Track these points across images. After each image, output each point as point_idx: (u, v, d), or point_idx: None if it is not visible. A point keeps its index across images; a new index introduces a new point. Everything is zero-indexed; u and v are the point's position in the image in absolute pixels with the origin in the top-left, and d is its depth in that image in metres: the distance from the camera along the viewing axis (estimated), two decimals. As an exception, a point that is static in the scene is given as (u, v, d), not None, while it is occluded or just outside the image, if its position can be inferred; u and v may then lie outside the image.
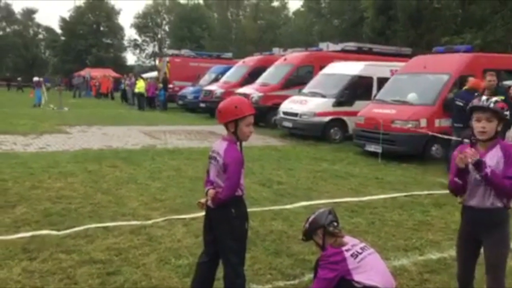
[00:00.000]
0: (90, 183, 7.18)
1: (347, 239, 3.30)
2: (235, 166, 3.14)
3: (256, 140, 13.28)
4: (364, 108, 11.70)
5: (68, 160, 9.01)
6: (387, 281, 3.15)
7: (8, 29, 74.06)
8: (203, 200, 3.33)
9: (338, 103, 13.39)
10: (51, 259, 4.28)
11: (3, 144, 10.66)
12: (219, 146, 3.24)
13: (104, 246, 4.65)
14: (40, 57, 77.23)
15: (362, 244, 3.30)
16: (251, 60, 21.27)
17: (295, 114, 13.55)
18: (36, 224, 5.24)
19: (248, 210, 5.78)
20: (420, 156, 10.15)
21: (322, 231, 3.27)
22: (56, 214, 5.60)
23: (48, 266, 4.12)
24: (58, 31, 75.25)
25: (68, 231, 5.02)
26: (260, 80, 17.72)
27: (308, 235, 3.38)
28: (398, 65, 13.71)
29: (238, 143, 3.22)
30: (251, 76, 19.08)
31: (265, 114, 16.34)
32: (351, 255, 3.13)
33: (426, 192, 7.31)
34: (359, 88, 13.78)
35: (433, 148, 10.33)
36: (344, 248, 3.17)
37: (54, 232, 4.97)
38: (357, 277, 3.05)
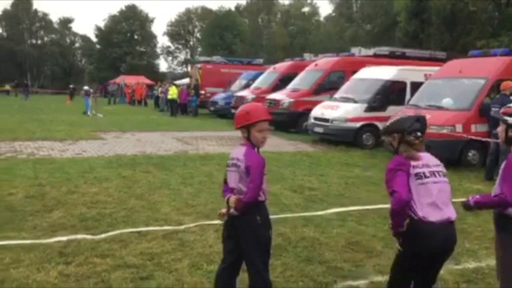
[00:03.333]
0: (124, 189, 7.30)
1: (424, 156, 3.07)
2: (257, 168, 3.14)
3: (287, 145, 13.27)
4: (397, 113, 11.50)
5: (103, 165, 9.21)
6: (438, 214, 2.96)
7: (46, 38, 76.49)
8: (224, 210, 3.29)
9: (370, 108, 13.24)
10: (86, 263, 4.37)
11: (41, 150, 10.98)
12: (238, 151, 3.26)
13: (137, 250, 4.71)
14: (76, 65, 79.37)
15: (438, 168, 3.07)
16: (282, 66, 21.29)
17: (327, 120, 13.46)
18: (72, 228, 5.36)
19: (279, 216, 5.90)
20: (456, 162, 9.89)
21: (399, 136, 3.07)
22: (91, 219, 5.71)
23: (83, 270, 4.20)
24: (94, 39, 77.27)
25: (102, 235, 5.11)
26: (291, 85, 17.72)
27: (385, 133, 3.21)
28: (432, 69, 13.46)
29: (255, 149, 3.23)
30: (282, 82, 19.09)
31: (296, 120, 16.36)
32: (415, 174, 2.96)
33: (462, 200, 7.10)
34: (392, 93, 13.59)
35: (470, 154, 10.07)
36: (413, 163, 2.98)
37: (89, 237, 5.07)
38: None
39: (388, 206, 6.56)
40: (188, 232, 5.33)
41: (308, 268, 4.40)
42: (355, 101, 13.60)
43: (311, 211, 6.36)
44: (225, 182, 3.37)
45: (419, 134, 3.03)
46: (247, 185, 3.14)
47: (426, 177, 2.97)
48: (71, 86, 45.82)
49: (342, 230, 5.54)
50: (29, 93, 43.09)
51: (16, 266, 4.19)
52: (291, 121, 16.59)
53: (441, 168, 3.11)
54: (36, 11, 74.34)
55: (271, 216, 5.76)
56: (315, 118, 14.03)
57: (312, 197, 7.15)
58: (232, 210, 3.18)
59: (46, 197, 6.65)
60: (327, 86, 16.30)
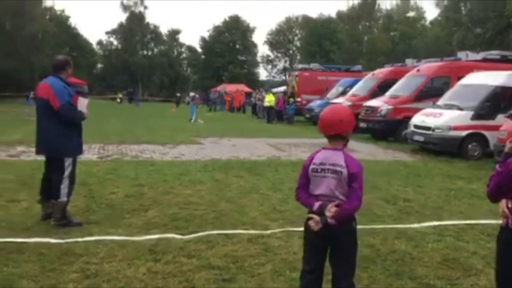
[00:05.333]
0: (216, 191, 7.47)
1: None
2: (361, 175, 3.02)
3: (384, 154, 12.76)
4: (507, 122, 10.53)
5: (198, 169, 9.53)
6: None
7: (156, 50, 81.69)
8: (317, 219, 3.02)
9: (477, 116, 12.27)
10: (173, 262, 4.49)
11: (144, 153, 11.66)
12: (334, 157, 3.06)
13: (222, 252, 4.76)
14: (182, 75, 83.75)
15: None
16: (381, 72, 20.60)
17: (428, 128, 12.71)
18: (164, 227, 5.57)
19: (369, 226, 5.63)
20: None
21: None
22: (182, 219, 5.90)
23: (170, 268, 4.33)
24: (199, 50, 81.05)
25: (191, 236, 5.24)
26: (390, 92, 17.05)
27: None
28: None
29: None
30: (381, 88, 18.46)
31: (394, 128, 15.71)
32: None
33: None
34: (502, 100, 12.46)
35: None
36: None
37: (178, 236, 5.22)
38: None
39: (492, 221, 6.02)
40: (273, 238, 5.28)
41: (397, 283, 4.13)
42: (460, 109, 12.69)
43: (405, 223, 5.99)
44: (300, 187, 3.21)
45: None
46: (355, 192, 2.98)
47: None
48: (178, 94, 48.50)
49: (438, 245, 5.14)
50: (139, 101, 46.31)
51: (110, 261, 4.42)
52: (389, 129, 15.97)
53: None
54: (148, 24, 79.86)
55: (361, 226, 5.55)
56: (416, 126, 13.32)
57: (407, 209, 6.75)
58: (330, 220, 2.97)
59: (143, 197, 7.01)
60: (430, 92, 15.45)
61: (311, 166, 3.11)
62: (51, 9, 63.65)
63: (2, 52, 44.12)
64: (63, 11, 69.60)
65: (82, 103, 5.56)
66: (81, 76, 57.93)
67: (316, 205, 3.05)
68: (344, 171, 2.99)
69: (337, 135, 3.09)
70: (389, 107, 15.98)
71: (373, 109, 16.50)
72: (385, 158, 12.00)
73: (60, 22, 64.48)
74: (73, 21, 72.58)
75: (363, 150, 13.57)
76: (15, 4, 45.04)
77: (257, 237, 5.27)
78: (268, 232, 5.46)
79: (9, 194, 6.79)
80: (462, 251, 4.97)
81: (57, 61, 5.54)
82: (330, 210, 2.97)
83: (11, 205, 6.27)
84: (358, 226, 5.43)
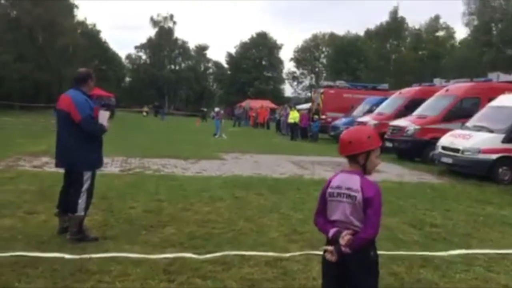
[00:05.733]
0: (235, 209, 7.32)
1: None
2: (379, 200, 2.83)
3: (410, 175, 12.42)
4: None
5: (219, 185, 9.41)
6: None
7: (183, 64, 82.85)
8: (331, 248, 2.86)
9: (508, 140, 11.83)
10: (188, 283, 4.34)
11: (166, 167, 11.62)
12: (349, 180, 2.90)
13: (238, 275, 4.59)
14: (208, 90, 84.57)
15: None
16: (409, 91, 20.26)
17: (457, 150, 12.32)
18: (180, 246, 5.43)
19: (394, 253, 5.38)
20: None
21: None
22: (199, 238, 5.76)
23: (183, 290, 4.18)
24: (225, 65, 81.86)
25: (207, 256, 5.09)
26: (417, 112, 16.70)
27: None
28: None
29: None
30: (407, 108, 18.13)
31: (421, 148, 15.34)
32: None
33: None
34: (535, 124, 12.02)
35: None
36: None
37: (195, 256, 5.08)
38: None
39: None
40: (292, 261, 5.08)
41: (422, 316, 3.88)
42: (490, 131, 12.28)
43: (431, 250, 5.70)
44: (318, 212, 3.05)
45: None
46: (369, 219, 2.80)
47: None
48: (203, 109, 48.91)
49: (467, 276, 4.86)
50: (165, 115, 46.83)
51: (122, 280, 4.30)
52: (416, 150, 15.60)
53: None
54: (176, 39, 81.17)
55: (384, 252, 5.31)
56: (444, 148, 12.94)
57: (434, 235, 6.45)
58: (344, 248, 2.79)
59: (162, 213, 6.91)
60: (458, 113, 15.06)
61: (328, 190, 2.96)
62: (82, 23, 65.27)
63: (34, 64, 45.38)
64: (94, 25, 71.41)
65: (103, 116, 5.52)
66: (110, 89, 59.15)
67: (331, 232, 2.89)
68: (359, 195, 2.82)
69: (353, 156, 2.92)
70: (417, 127, 15.64)
71: (400, 129, 16.17)
72: (411, 179, 11.66)
73: (91, 36, 66.02)
74: (103, 35, 73.96)
75: (388, 170, 13.24)
76: (48, 18, 46.40)
77: (276, 259, 5.08)
78: (287, 255, 5.26)
79: (28, 206, 6.79)
80: (492, 283, 4.69)
81: (79, 74, 5.53)
82: (344, 238, 2.79)
83: (29, 217, 6.25)
84: (381, 252, 5.21)
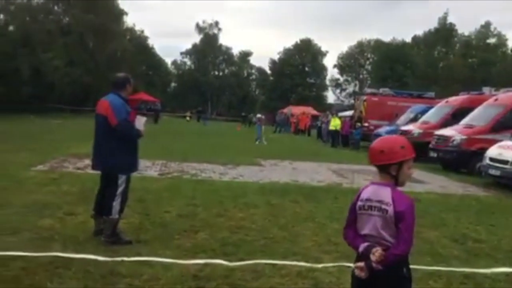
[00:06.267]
0: (269, 217, 7.24)
1: None
2: (411, 214, 2.67)
3: (455, 187, 11.96)
4: None
5: (254, 191, 9.35)
6: None
7: (226, 70, 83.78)
8: (361, 264, 2.71)
9: (561, 152, 11.21)
10: (216, 290, 4.31)
11: (204, 172, 11.69)
12: (380, 192, 2.74)
13: (268, 285, 4.50)
14: (250, 95, 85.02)
15: None
16: (456, 100, 19.58)
17: (505, 162, 11.76)
18: (212, 252, 5.40)
19: (433, 268, 5.14)
20: None
21: None
22: (231, 244, 5.71)
23: (211, 297, 4.14)
24: (268, 71, 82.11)
25: (238, 263, 5.04)
26: (464, 121, 16.09)
27: None
28: None
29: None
30: (454, 116, 17.52)
31: (467, 159, 14.77)
32: None
33: None
34: None
35: None
36: None
37: (225, 263, 5.03)
38: None
39: None
40: (325, 272, 4.95)
41: (459, 338, 3.67)
42: (542, 143, 11.67)
43: (473, 267, 5.42)
44: (348, 225, 2.93)
45: None
46: (401, 235, 2.64)
47: None
48: (243, 114, 49.21)
49: (511, 296, 4.58)
50: (207, 120, 47.40)
51: (152, 285, 4.31)
52: (461, 161, 15.03)
53: None
54: (220, 46, 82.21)
55: (421, 267, 5.10)
56: (491, 159, 12.39)
57: (476, 250, 6.14)
58: (375, 265, 2.65)
59: (196, 218, 6.92)
60: (508, 123, 14.40)
61: (358, 203, 2.81)
62: (131, 29, 67.18)
63: (84, 68, 47.06)
64: (142, 31, 73.30)
65: (140, 121, 5.59)
66: (156, 94, 60.56)
67: (362, 247, 2.74)
68: (390, 209, 2.66)
69: (384, 167, 2.78)
70: (463, 137, 15.07)
71: (445, 138, 15.63)
72: (456, 191, 11.22)
73: (139, 42, 67.84)
74: (150, 42, 75.83)
75: (432, 181, 12.82)
76: (98, 24, 48.08)
77: (308, 270, 4.97)
78: (320, 266, 5.13)
79: (68, 207, 6.96)
80: (539, 306, 4.39)
81: (118, 79, 5.63)
82: (375, 254, 2.64)
83: (68, 218, 6.40)
84: (419, 267, 5.02)
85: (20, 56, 36.57)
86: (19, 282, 4.14)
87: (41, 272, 4.35)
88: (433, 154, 15.68)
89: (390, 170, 2.75)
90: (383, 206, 2.70)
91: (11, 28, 43.32)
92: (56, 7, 51.90)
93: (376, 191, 2.77)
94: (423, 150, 16.51)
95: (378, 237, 2.72)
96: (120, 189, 5.44)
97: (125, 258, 4.88)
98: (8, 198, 7.34)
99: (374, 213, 2.73)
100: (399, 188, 2.78)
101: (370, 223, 2.75)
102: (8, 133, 19.69)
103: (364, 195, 2.80)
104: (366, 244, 2.72)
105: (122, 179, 5.45)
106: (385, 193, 2.71)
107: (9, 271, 4.36)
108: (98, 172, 5.81)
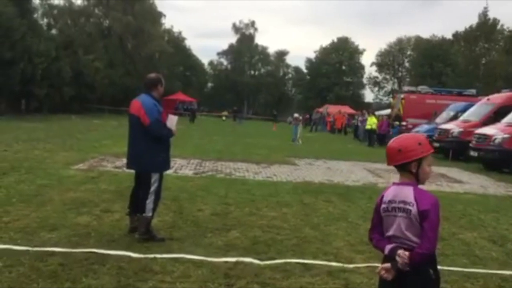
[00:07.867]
0: (301, 216, 7.22)
1: None
2: (436, 212, 2.61)
3: (496, 187, 11.58)
4: None
5: (288, 190, 9.34)
6: None
7: (262, 70, 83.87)
8: (387, 265, 2.69)
9: None
10: (246, 288, 4.33)
11: (237, 171, 11.75)
12: (402, 192, 2.69)
13: (298, 284, 4.49)
14: (286, 95, 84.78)
15: None
16: (498, 97, 18.90)
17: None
18: (243, 250, 5.43)
19: (469, 270, 5.00)
20: None
21: None
22: (262, 243, 5.73)
23: (241, 296, 4.16)
24: (304, 70, 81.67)
25: (268, 262, 5.04)
26: (506, 119, 15.54)
27: None
28: None
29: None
30: (496, 115, 16.93)
31: (510, 159, 14.25)
32: None
33: None
34: None
35: None
36: None
37: (256, 261, 5.05)
38: None
39: None
40: (356, 273, 4.89)
41: None
42: None
43: (512, 269, 5.24)
44: (373, 228, 2.87)
45: None
46: (425, 234, 2.59)
47: None
48: (274, 113, 49.23)
49: (552, 301, 4.39)
50: (243, 119, 47.61)
51: (183, 281, 4.37)
52: (504, 160, 14.52)
53: None
54: (256, 45, 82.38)
55: (457, 269, 4.96)
56: (535, 159, 11.92)
57: (516, 253, 5.93)
58: (401, 265, 2.62)
59: (228, 216, 6.97)
60: (555, 121, 13.81)
61: (382, 205, 2.77)
62: (169, 31, 68.27)
63: (123, 70, 48.23)
64: (180, 33, 74.36)
65: (172, 121, 5.68)
66: (193, 94, 61.32)
67: (387, 248, 2.70)
68: (414, 208, 2.61)
69: (403, 166, 2.72)
70: (505, 135, 14.55)
71: (486, 137, 15.14)
72: (497, 192, 10.85)
73: (176, 43, 68.83)
74: (187, 43, 76.83)
75: (472, 181, 12.44)
76: (137, 26, 49.14)
77: (339, 270, 4.92)
78: (351, 266, 5.08)
79: (105, 205, 7.15)
80: None
81: (149, 79, 5.74)
82: (400, 255, 2.60)
83: (104, 215, 6.57)
84: (455, 268, 4.90)
85: (62, 58, 37.83)
86: (56, 277, 4.28)
87: (76, 268, 4.49)
88: (473, 154, 15.22)
89: (411, 168, 2.70)
90: (407, 206, 2.65)
91: (53, 31, 44.86)
92: (96, 10, 53.38)
93: (398, 191, 2.72)
94: (463, 149, 16.07)
95: (403, 238, 2.68)
96: (153, 188, 5.54)
97: (158, 255, 4.98)
98: (49, 195, 7.62)
99: (398, 214, 2.69)
100: (421, 186, 2.73)
101: (395, 224, 2.71)
102: (51, 132, 20.39)
103: (387, 197, 2.76)
104: (391, 245, 2.69)
105: (154, 177, 5.55)
106: (408, 193, 2.67)
107: (47, 266, 4.52)
108: (133, 171, 5.94)
